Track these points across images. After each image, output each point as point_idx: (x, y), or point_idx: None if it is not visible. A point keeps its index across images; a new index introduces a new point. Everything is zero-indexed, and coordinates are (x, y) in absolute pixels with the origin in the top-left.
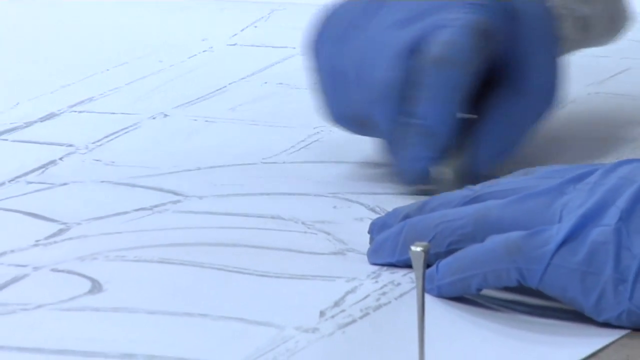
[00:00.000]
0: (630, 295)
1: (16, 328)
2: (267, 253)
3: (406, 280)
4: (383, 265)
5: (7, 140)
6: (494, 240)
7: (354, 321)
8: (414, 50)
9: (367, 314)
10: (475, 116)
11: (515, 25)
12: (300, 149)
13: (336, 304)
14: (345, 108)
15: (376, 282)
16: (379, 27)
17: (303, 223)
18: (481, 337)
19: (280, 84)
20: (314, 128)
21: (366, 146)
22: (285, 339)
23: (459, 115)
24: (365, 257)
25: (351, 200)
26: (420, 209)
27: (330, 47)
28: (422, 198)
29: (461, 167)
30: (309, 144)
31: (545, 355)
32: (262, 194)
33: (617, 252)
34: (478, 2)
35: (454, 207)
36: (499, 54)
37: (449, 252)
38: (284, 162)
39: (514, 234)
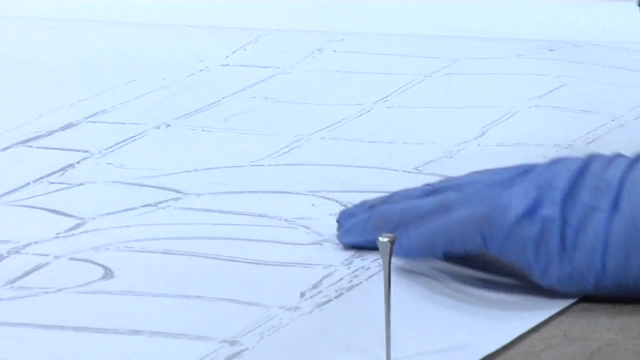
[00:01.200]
0: (571, 261)
1: (40, 308)
2: (255, 244)
3: (374, 265)
4: (352, 245)
5: (31, 147)
6: (461, 212)
7: (329, 300)
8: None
9: (341, 294)
10: None
11: None
12: (283, 154)
13: (314, 286)
14: None
15: (349, 267)
16: None
17: (286, 219)
18: (438, 312)
19: (266, 98)
20: (295, 137)
21: (339, 152)
22: (271, 317)
23: None
24: (339, 246)
25: (327, 198)
26: (384, 201)
27: None
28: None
29: None
30: (290, 150)
31: (494, 327)
32: (250, 192)
33: (561, 226)
34: None
35: (417, 197)
36: None
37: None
38: (269, 165)
39: (480, 208)
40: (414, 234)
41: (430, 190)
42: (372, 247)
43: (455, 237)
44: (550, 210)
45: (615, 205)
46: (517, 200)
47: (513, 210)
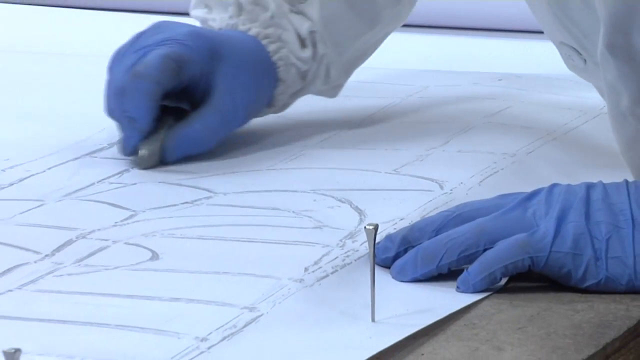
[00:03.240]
0: (606, 268)
1: (101, 282)
2: (269, 229)
3: (363, 248)
4: (409, 281)
5: (96, 157)
6: (505, 242)
7: (327, 275)
8: (129, 68)
9: (336, 270)
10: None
11: (215, 63)
12: (292, 160)
13: (315, 262)
14: (109, 105)
15: (342, 248)
16: (123, 59)
17: (293, 211)
18: (412, 285)
19: (278, 116)
20: (301, 148)
21: (335, 158)
22: (282, 287)
23: (154, 112)
24: (336, 231)
25: (325, 195)
26: (412, 229)
27: (115, 65)
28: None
29: (157, 152)
30: (297, 157)
31: (455, 297)
32: (265, 190)
33: (591, 239)
34: (180, 40)
35: (439, 226)
36: (198, 78)
37: (459, 260)
38: (280, 169)
39: (520, 236)
40: (474, 271)
41: (450, 217)
42: (427, 279)
43: (510, 265)
44: (577, 228)
45: (633, 223)
46: (545, 223)
47: (547, 232)
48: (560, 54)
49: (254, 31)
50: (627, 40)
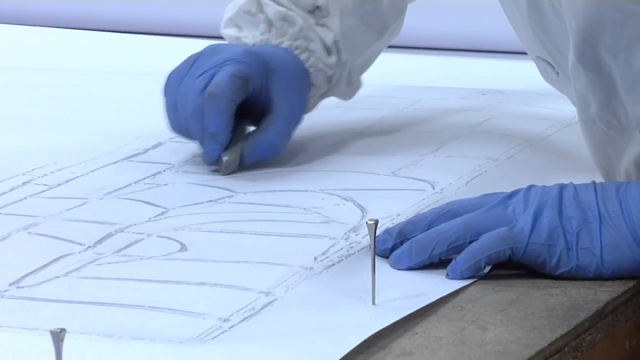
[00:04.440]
0: (576, 257)
1: (136, 269)
2: (283, 224)
3: (365, 240)
4: (405, 269)
5: (132, 161)
6: (488, 235)
7: (333, 264)
8: (202, 90)
9: (342, 259)
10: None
11: (269, 75)
12: (303, 164)
13: (323, 253)
14: (178, 124)
15: (347, 240)
16: (190, 78)
17: (304, 208)
18: (409, 273)
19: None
20: (311, 154)
21: (340, 161)
22: (294, 273)
23: (231, 125)
24: (342, 225)
25: (332, 194)
26: (407, 224)
27: (175, 86)
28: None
29: (237, 158)
30: (308, 161)
31: (447, 283)
32: (280, 190)
33: (563, 232)
34: (239, 59)
35: (430, 221)
36: (257, 91)
37: (448, 250)
38: (292, 172)
39: (502, 229)
40: (461, 260)
41: (441, 213)
42: (420, 267)
43: (493, 255)
44: (551, 222)
45: (600, 218)
46: (523, 218)
47: (525, 226)
48: (537, 67)
49: (285, 44)
50: (595, 52)
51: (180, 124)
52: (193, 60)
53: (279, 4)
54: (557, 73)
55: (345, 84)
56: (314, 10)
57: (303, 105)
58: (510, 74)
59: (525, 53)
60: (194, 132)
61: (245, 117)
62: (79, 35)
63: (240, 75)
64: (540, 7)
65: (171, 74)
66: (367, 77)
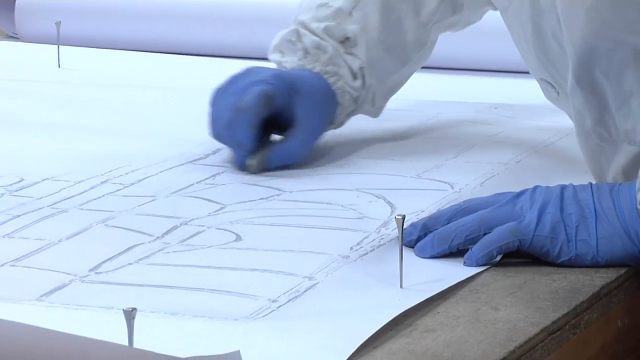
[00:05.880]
0: (575, 248)
1: (198, 257)
2: (324, 219)
3: (394, 233)
4: (428, 258)
5: (195, 164)
6: (499, 229)
7: (367, 253)
8: (233, 105)
9: (374, 249)
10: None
11: (294, 95)
12: (341, 167)
13: (358, 243)
14: (216, 133)
15: (378, 233)
16: (227, 94)
17: (342, 205)
18: (432, 260)
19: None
20: (347, 159)
21: (372, 166)
22: (333, 261)
23: (258, 135)
24: (374, 220)
25: (366, 193)
26: (430, 220)
27: (217, 100)
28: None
29: (262, 163)
30: (345, 165)
31: (464, 269)
32: (320, 189)
33: (564, 226)
34: (268, 81)
35: (450, 216)
36: (282, 108)
37: (465, 242)
38: (332, 174)
39: (511, 223)
40: (477, 250)
41: (459, 209)
42: (441, 256)
43: (503, 245)
44: (554, 217)
45: (596, 215)
46: (529, 214)
47: (531, 221)
48: (540, 87)
49: (317, 69)
50: (590, 75)
51: (217, 132)
52: (232, 79)
53: (315, 35)
54: (558, 92)
55: (370, 104)
56: (344, 41)
57: (325, 122)
58: (519, 91)
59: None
60: (226, 140)
61: (273, 128)
62: (149, 57)
63: (266, 94)
64: (543, 35)
65: (216, 89)
66: (395, 94)
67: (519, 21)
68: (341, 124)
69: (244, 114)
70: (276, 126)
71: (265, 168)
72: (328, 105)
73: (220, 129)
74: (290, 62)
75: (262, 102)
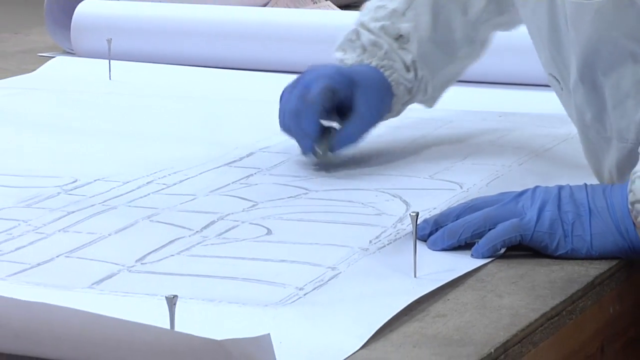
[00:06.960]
0: (572, 242)
1: (233, 249)
2: (346, 215)
3: (408, 228)
4: (439, 250)
5: (231, 166)
6: (503, 225)
7: (384, 246)
8: (300, 98)
9: (391, 242)
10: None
11: (354, 88)
12: (362, 168)
13: (376, 237)
14: (284, 124)
15: (394, 228)
16: (294, 88)
17: (362, 203)
18: (443, 253)
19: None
20: (368, 162)
21: (391, 167)
22: (354, 253)
23: (322, 124)
24: (391, 216)
25: (384, 192)
26: (441, 216)
27: (286, 95)
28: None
29: (327, 149)
30: (366, 166)
31: (472, 261)
32: (343, 189)
33: (561, 223)
34: (331, 76)
35: (459, 213)
36: (343, 99)
37: (473, 236)
38: (354, 175)
39: (514, 220)
40: (483, 243)
41: (467, 206)
42: (451, 249)
43: (507, 240)
44: (552, 215)
45: (590, 213)
46: (530, 212)
47: (532, 218)
48: (548, 81)
49: (374, 63)
50: (592, 74)
51: (285, 123)
52: (298, 77)
53: (372, 33)
54: (562, 88)
55: (423, 94)
56: (398, 38)
57: (381, 110)
58: (522, 101)
59: (532, 85)
60: (293, 130)
61: (337, 117)
62: (190, 71)
63: (329, 88)
64: (558, 30)
65: (287, 86)
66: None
67: (536, 15)
68: (399, 112)
69: (310, 106)
70: (339, 115)
71: (332, 151)
72: (384, 96)
73: (289, 120)
74: (350, 58)
75: (326, 95)
